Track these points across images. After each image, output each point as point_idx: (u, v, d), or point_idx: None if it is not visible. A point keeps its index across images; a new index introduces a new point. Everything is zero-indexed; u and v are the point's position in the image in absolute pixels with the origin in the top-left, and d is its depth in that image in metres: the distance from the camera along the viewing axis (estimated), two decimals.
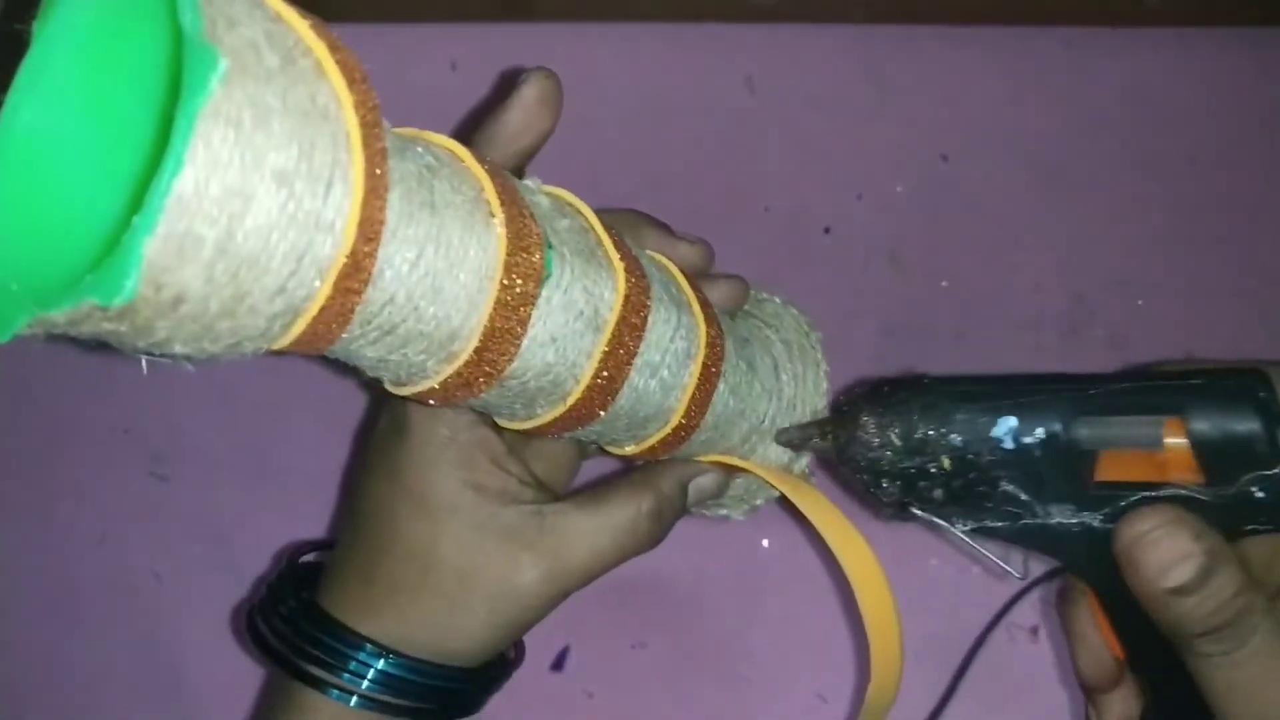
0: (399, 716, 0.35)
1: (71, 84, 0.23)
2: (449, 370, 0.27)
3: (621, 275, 0.31)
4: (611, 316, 0.30)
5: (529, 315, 0.28)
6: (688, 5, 0.53)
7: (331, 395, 0.53)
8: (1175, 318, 0.51)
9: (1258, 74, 0.53)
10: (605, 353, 0.30)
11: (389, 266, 0.24)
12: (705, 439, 0.37)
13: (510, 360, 0.28)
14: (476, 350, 0.27)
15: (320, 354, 0.26)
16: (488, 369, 0.28)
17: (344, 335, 0.25)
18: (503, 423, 0.33)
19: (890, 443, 0.33)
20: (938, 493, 0.33)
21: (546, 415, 0.31)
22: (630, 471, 0.38)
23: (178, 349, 0.22)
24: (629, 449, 0.36)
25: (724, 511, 0.41)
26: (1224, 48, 0.53)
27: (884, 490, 0.34)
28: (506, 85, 0.32)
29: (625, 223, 0.35)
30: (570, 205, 0.32)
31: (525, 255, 0.27)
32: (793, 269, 0.52)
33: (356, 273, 0.23)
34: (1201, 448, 0.30)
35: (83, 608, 0.52)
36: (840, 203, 0.53)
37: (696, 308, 0.35)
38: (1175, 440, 0.31)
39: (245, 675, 0.49)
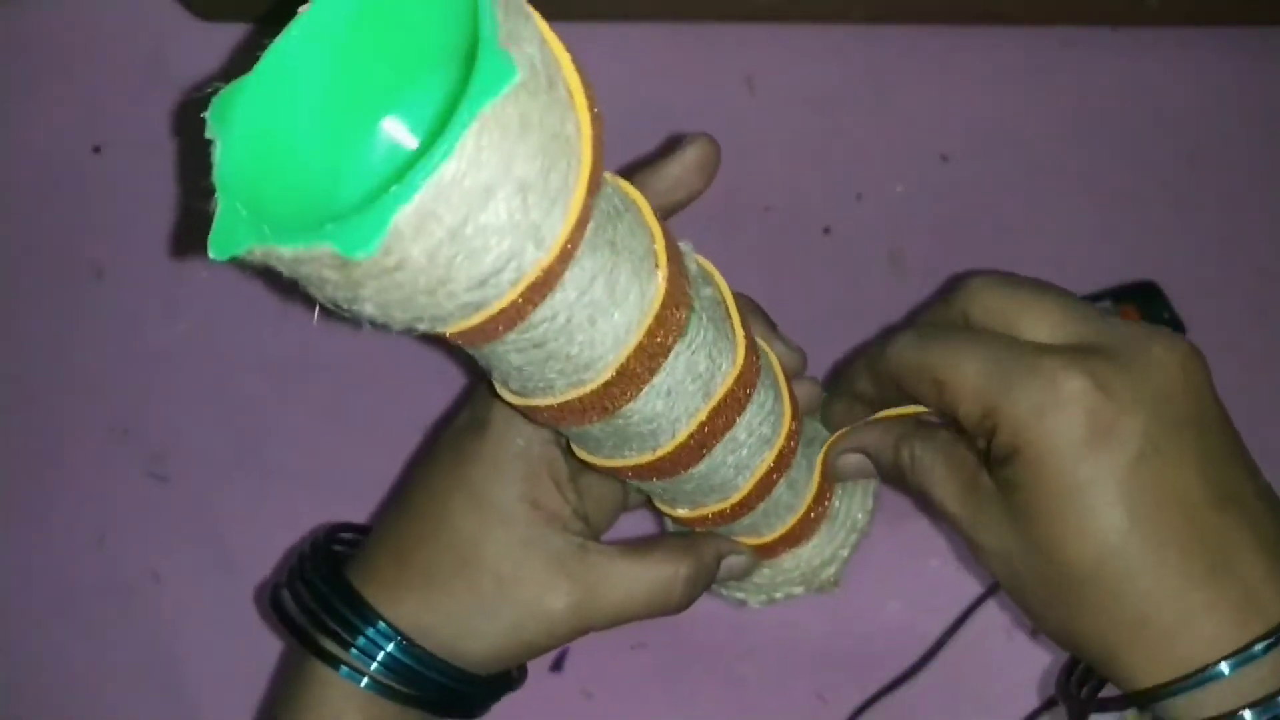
0: (404, 704, 0.36)
1: (347, 29, 0.25)
2: (573, 395, 0.29)
3: (742, 352, 0.32)
4: (722, 387, 0.32)
5: (660, 365, 0.29)
6: (688, 5, 0.53)
7: (332, 396, 0.53)
8: None
9: (1258, 74, 0.54)
10: (705, 419, 0.32)
11: (561, 289, 0.26)
12: (750, 523, 0.38)
13: (629, 401, 0.30)
14: (604, 384, 0.29)
15: (467, 349, 0.28)
16: (606, 404, 0.29)
17: (505, 336, 0.27)
18: (583, 454, 0.34)
19: None
20: None
21: (630, 460, 0.33)
22: (671, 535, 0.39)
23: (368, 309, 0.23)
24: (681, 511, 0.37)
25: (741, 596, 0.42)
26: (1224, 48, 0.53)
27: None
28: (670, 144, 0.35)
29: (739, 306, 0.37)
30: (711, 276, 0.34)
31: (674, 311, 0.29)
32: (793, 269, 0.52)
33: (543, 287, 0.25)
34: None
35: (82, 608, 0.52)
36: (840, 203, 0.53)
37: (787, 400, 0.36)
38: None
39: (245, 675, 0.49)
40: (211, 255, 0.22)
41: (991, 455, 0.32)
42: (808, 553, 0.40)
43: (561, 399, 0.29)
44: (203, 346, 0.53)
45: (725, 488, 0.35)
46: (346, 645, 0.35)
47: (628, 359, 0.28)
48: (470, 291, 0.23)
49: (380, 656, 0.35)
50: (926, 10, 0.53)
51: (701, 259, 0.34)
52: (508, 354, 0.28)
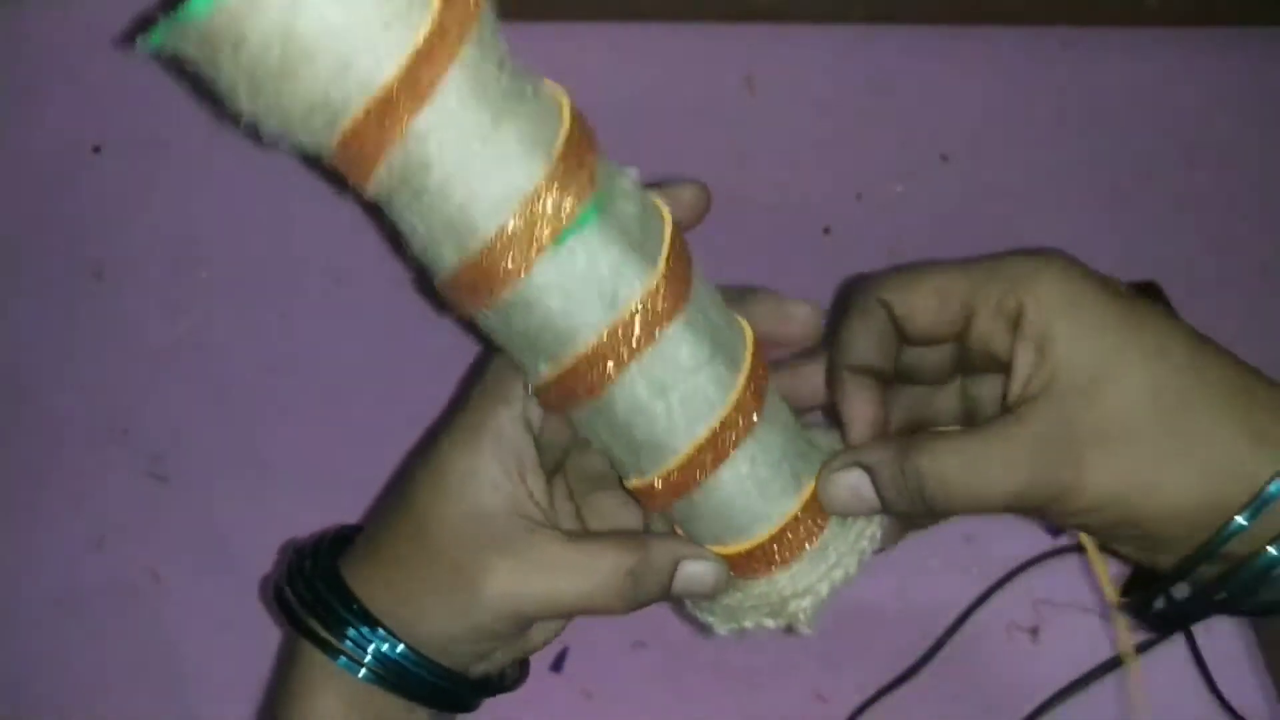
0: (378, 686, 0.35)
1: None
2: (460, 264, 0.30)
3: (658, 279, 0.31)
4: (627, 305, 0.31)
5: (545, 243, 0.30)
6: (688, 5, 0.53)
7: (332, 396, 0.53)
8: None
9: (1258, 74, 0.54)
10: (607, 334, 0.31)
11: (435, 133, 0.28)
12: (707, 522, 0.36)
13: (511, 281, 0.30)
14: (484, 253, 0.29)
15: (369, 195, 0.30)
16: (490, 276, 0.30)
17: (382, 172, 0.28)
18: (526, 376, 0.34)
19: None
20: None
21: (545, 373, 0.33)
22: (629, 531, 0.38)
23: (244, 103, 0.27)
24: (633, 481, 0.36)
25: (710, 619, 0.39)
26: (1224, 48, 0.53)
27: None
28: (662, 186, 0.36)
29: (738, 291, 0.37)
30: (658, 211, 0.33)
31: (560, 195, 0.29)
32: (793, 269, 0.52)
33: (392, 111, 0.27)
34: None
35: (82, 608, 0.52)
36: (840, 203, 0.53)
37: (744, 372, 0.34)
38: None
39: (245, 675, 0.49)
40: (138, 45, 0.26)
41: (1022, 336, 0.33)
42: (783, 580, 0.37)
43: (455, 271, 0.30)
44: (203, 346, 0.53)
45: (659, 447, 0.34)
46: (328, 626, 0.35)
47: (511, 229, 0.29)
48: (315, 92, 0.26)
49: (349, 634, 0.35)
50: (926, 10, 0.53)
51: (657, 198, 0.33)
52: (400, 210, 0.30)
